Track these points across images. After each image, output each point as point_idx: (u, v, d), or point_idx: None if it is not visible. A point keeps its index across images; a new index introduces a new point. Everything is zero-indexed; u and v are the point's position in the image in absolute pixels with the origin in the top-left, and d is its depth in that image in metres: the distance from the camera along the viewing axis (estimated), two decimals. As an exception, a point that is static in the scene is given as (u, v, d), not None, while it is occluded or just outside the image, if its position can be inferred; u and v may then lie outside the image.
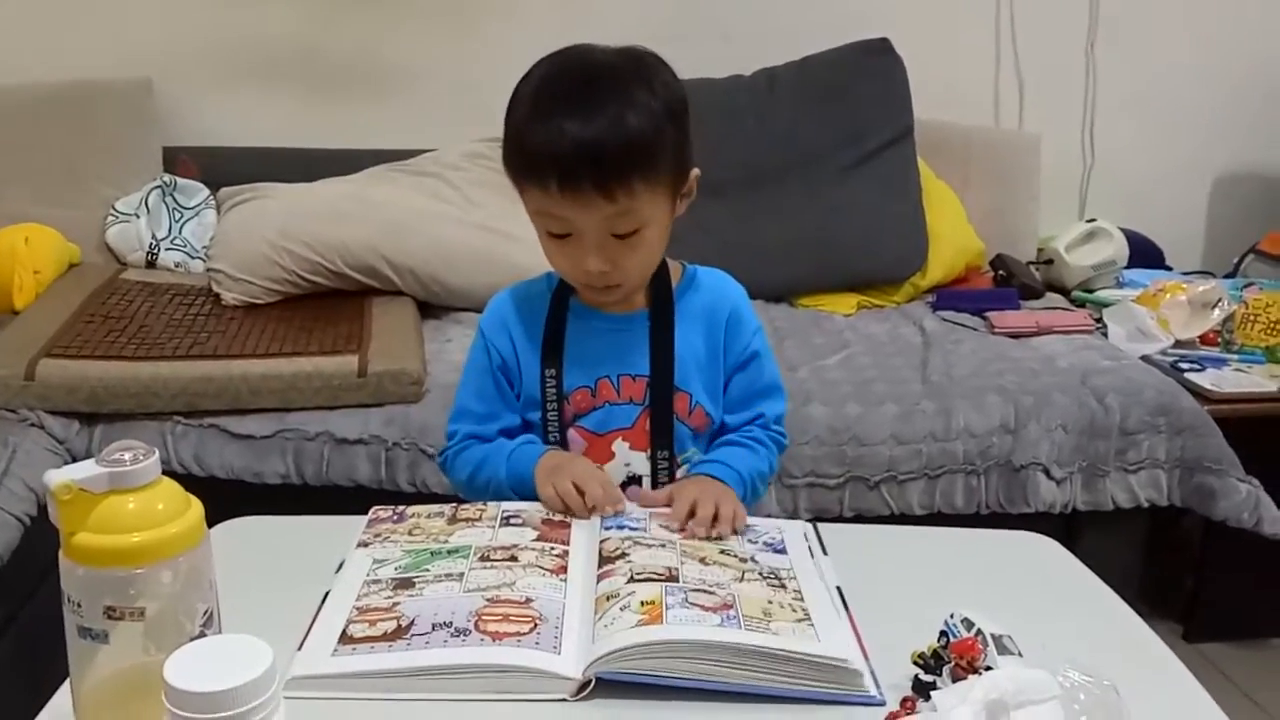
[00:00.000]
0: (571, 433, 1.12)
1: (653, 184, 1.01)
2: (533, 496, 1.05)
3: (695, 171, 1.07)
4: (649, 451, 1.12)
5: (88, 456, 0.69)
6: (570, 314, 1.12)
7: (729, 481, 1.07)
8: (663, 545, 0.94)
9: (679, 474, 1.12)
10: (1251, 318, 2.16)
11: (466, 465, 1.13)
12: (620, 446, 1.12)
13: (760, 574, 0.91)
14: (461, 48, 2.49)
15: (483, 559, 0.91)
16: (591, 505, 1.00)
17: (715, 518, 0.98)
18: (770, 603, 0.85)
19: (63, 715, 0.72)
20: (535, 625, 0.82)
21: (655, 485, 1.12)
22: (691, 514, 0.99)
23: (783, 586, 0.89)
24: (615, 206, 0.99)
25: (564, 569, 0.91)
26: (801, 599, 0.87)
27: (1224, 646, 2.08)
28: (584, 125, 0.97)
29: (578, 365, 1.11)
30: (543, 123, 0.99)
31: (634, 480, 1.12)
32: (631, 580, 0.86)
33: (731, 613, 0.82)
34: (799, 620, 0.83)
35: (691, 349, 1.12)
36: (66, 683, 0.71)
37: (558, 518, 1.01)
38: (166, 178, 2.30)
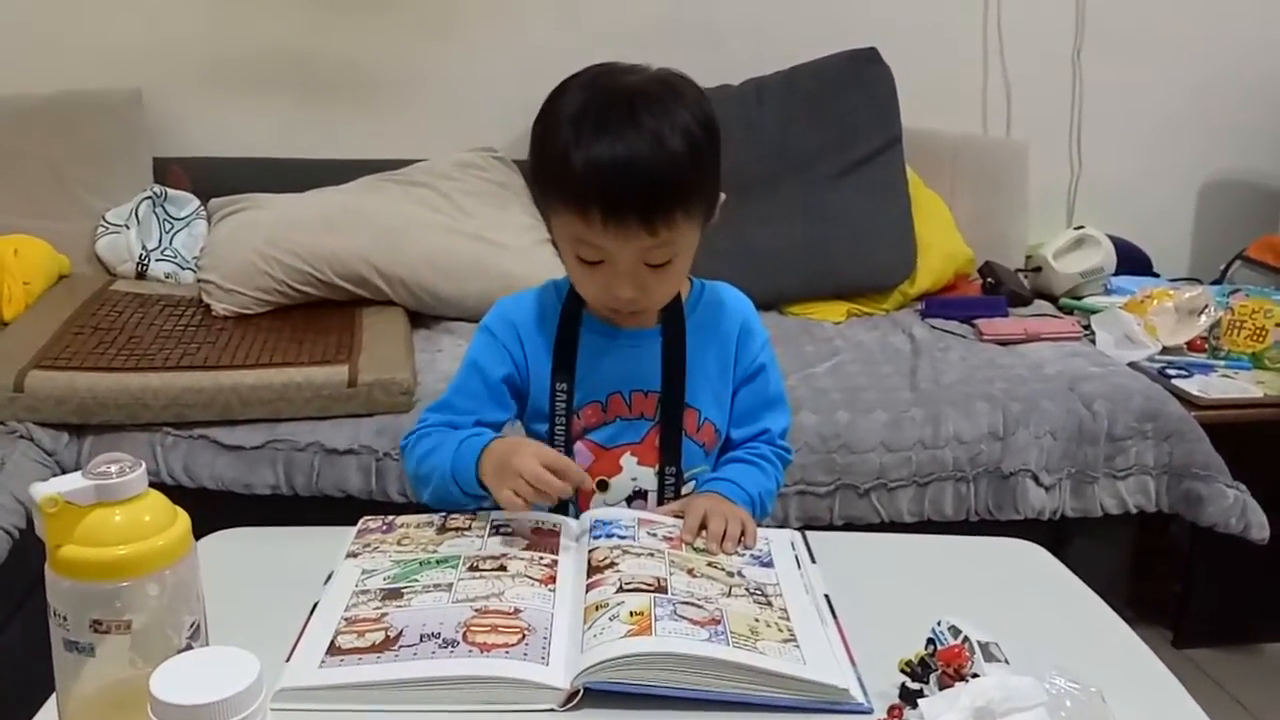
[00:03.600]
0: (579, 445, 1.12)
1: (691, 216, 1.01)
2: (473, 489, 1.02)
3: (722, 197, 1.07)
4: (656, 467, 1.12)
5: (77, 468, 0.69)
6: (583, 328, 1.11)
7: (738, 501, 1.07)
8: (651, 554, 0.94)
9: (685, 490, 1.12)
10: (1238, 324, 2.17)
11: (421, 451, 1.08)
12: (628, 461, 1.12)
13: (747, 589, 0.91)
14: (452, 58, 2.50)
15: (472, 569, 0.92)
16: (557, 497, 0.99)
17: (724, 535, 0.99)
18: (757, 620, 0.85)
19: (50, 729, 0.72)
20: (523, 636, 0.82)
21: (661, 501, 1.12)
22: (702, 527, 0.99)
23: (769, 604, 0.89)
24: (655, 239, 0.99)
25: (553, 579, 0.91)
26: (787, 618, 0.87)
27: (1212, 652, 2.09)
28: (631, 158, 0.96)
29: (590, 380, 1.11)
30: (587, 152, 0.97)
31: (639, 495, 1.12)
32: (620, 590, 0.86)
33: (719, 628, 0.82)
34: (785, 640, 0.83)
35: (702, 364, 1.12)
36: (53, 696, 0.71)
37: (548, 526, 1.01)
38: (157, 188, 2.29)
